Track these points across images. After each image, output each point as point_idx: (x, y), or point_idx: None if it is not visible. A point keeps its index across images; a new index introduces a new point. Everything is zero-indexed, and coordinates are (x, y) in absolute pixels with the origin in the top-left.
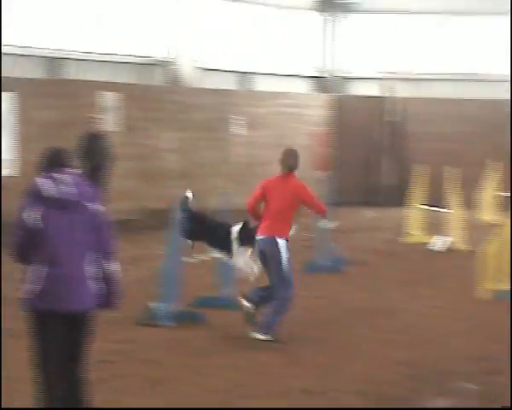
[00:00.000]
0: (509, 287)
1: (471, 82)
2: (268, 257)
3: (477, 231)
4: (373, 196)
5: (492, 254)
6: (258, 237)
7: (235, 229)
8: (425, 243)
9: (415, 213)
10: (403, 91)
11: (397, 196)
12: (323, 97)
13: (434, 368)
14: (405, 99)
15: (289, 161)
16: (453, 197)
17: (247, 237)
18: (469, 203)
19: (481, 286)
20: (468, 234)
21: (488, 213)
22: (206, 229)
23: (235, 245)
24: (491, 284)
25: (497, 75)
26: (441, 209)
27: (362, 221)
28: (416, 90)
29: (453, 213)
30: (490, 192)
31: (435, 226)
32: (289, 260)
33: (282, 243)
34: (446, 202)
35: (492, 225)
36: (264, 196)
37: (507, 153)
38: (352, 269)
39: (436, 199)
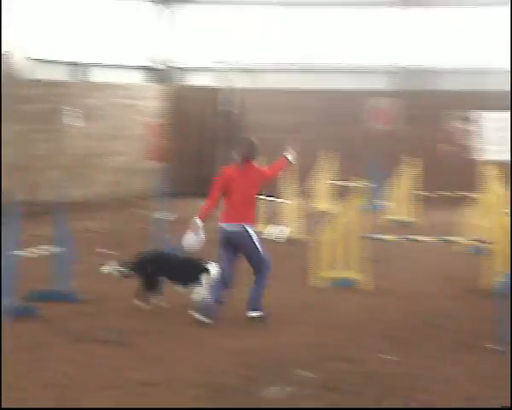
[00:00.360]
0: (343, 275)
1: (307, 72)
2: (240, 246)
3: (311, 219)
4: (209, 187)
5: (327, 242)
6: (225, 224)
7: (213, 269)
8: (261, 233)
9: None
10: (239, 82)
11: None
12: (159, 88)
13: (271, 356)
14: (241, 90)
15: (246, 149)
16: (289, 187)
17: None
18: (305, 193)
19: (316, 274)
20: (303, 223)
21: (322, 201)
22: (179, 269)
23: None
24: (327, 272)
25: (334, 65)
26: (277, 199)
27: (195, 212)
28: (252, 80)
29: (289, 202)
30: (325, 181)
31: (271, 216)
32: (259, 240)
33: (250, 229)
34: (282, 192)
35: (326, 213)
36: (225, 187)
37: (342, 142)
38: None
39: (272, 189)
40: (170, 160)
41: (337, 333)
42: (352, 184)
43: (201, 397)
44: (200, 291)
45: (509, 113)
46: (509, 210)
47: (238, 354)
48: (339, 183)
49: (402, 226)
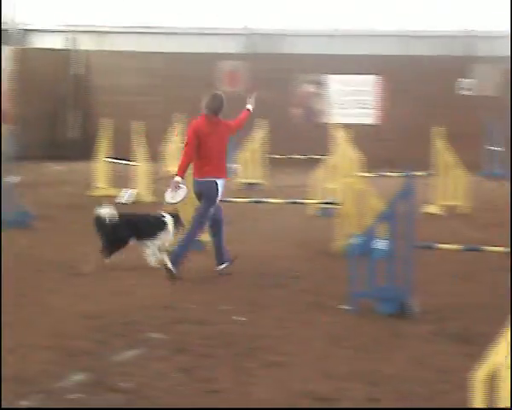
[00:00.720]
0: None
1: (156, 35)
2: (205, 195)
3: (163, 182)
4: (59, 150)
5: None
6: (198, 179)
7: (170, 219)
8: (112, 196)
9: (101, 167)
10: (87, 44)
11: (83, 150)
12: (5, 50)
13: (122, 320)
14: (89, 52)
15: (214, 104)
16: (139, 150)
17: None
18: (155, 156)
19: None
20: (153, 186)
21: (174, 164)
22: (141, 226)
23: (168, 233)
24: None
25: (183, 27)
26: (128, 162)
27: (47, 175)
28: (100, 43)
29: (139, 165)
30: (175, 144)
31: (122, 179)
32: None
33: (220, 182)
34: (132, 155)
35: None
36: (197, 140)
37: (191, 105)
38: (38, 224)
39: (122, 152)
40: (18, 123)
41: (188, 295)
42: None
43: (52, 361)
44: (157, 245)
45: (355, 76)
46: (357, 173)
47: (88, 318)
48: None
49: (252, 189)
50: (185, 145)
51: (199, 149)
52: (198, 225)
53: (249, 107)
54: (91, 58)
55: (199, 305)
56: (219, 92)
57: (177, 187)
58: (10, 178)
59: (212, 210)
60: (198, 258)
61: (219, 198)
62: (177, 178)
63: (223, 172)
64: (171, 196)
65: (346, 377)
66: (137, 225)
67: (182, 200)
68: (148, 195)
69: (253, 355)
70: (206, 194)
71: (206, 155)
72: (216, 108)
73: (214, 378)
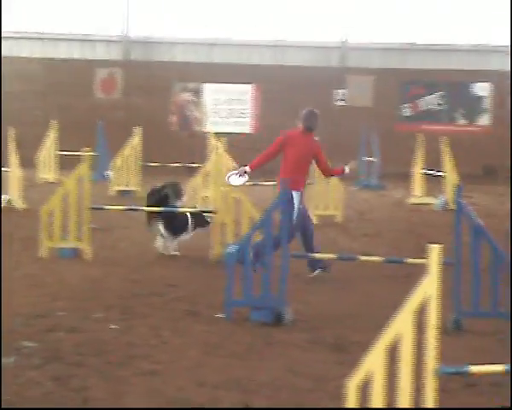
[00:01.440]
0: (67, 245)
1: (35, 40)
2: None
3: (37, 189)
4: None
5: (51, 212)
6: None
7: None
8: None
9: None
10: None
11: None
12: None
13: None
14: None
15: (311, 120)
16: (11, 156)
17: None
18: (29, 162)
19: (40, 244)
20: (25, 192)
21: (48, 171)
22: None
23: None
24: (51, 242)
25: (59, 33)
26: (6, 168)
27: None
28: None
29: (11, 171)
30: (51, 151)
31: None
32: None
33: (296, 195)
34: (5, 161)
35: (52, 183)
36: (285, 147)
37: (68, 111)
38: None
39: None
40: None
41: (61, 303)
42: (78, 154)
43: None
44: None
45: (231, 85)
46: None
47: None
48: (64, 152)
49: (125, 196)
50: (269, 146)
51: (285, 158)
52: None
53: (346, 169)
54: None
55: (72, 312)
56: (316, 110)
57: (242, 174)
58: None
59: (290, 221)
60: (71, 265)
61: (295, 209)
62: (247, 168)
63: (299, 185)
64: (233, 179)
65: (221, 385)
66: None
67: (241, 185)
68: (20, 201)
69: (127, 363)
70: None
71: (288, 165)
72: (312, 125)
73: (87, 387)
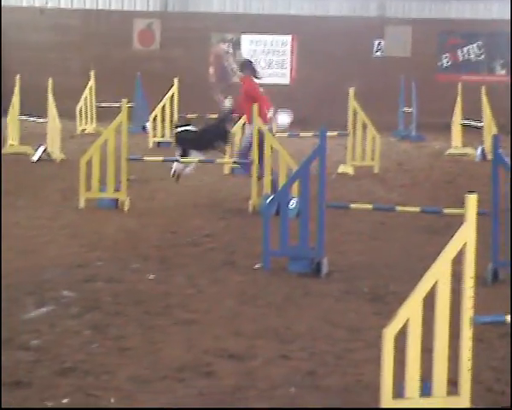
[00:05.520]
0: (106, 196)
1: None
2: None
3: (75, 140)
4: None
5: (93, 163)
6: None
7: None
8: (24, 154)
9: (13, 124)
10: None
11: None
12: None
13: (31, 278)
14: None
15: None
16: (50, 107)
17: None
18: (67, 113)
19: (78, 195)
20: (64, 144)
21: (86, 122)
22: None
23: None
24: (89, 193)
25: None
26: (40, 119)
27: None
28: None
29: (51, 122)
30: (87, 102)
31: (34, 136)
32: None
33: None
34: (44, 112)
35: (90, 135)
36: None
37: (106, 62)
38: None
39: (34, 108)
40: None
41: (99, 254)
42: (116, 105)
43: None
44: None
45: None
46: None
47: None
48: (103, 104)
49: (162, 147)
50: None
51: None
52: None
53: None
54: (4, 14)
55: (110, 262)
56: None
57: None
58: None
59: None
60: (110, 216)
61: None
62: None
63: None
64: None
65: (258, 335)
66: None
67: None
68: (59, 152)
69: (164, 313)
70: None
71: None
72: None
73: (124, 336)
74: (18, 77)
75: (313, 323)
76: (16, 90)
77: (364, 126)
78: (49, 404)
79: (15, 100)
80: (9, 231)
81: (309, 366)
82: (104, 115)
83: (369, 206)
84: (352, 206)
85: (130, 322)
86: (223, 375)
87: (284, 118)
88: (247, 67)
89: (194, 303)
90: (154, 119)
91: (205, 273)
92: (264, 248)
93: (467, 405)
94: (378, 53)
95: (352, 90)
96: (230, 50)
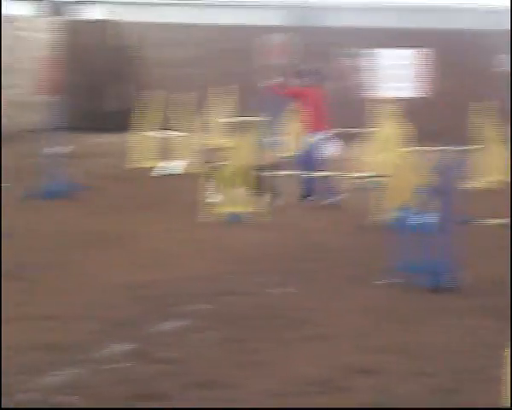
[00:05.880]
0: (235, 210)
1: (201, 7)
2: None
3: (205, 154)
4: (101, 122)
5: (221, 177)
6: None
7: None
8: (153, 168)
9: (143, 139)
10: (129, 15)
11: (124, 122)
12: (51, 21)
13: (163, 291)
14: (133, 23)
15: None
16: (185, 122)
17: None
18: (200, 127)
19: (209, 209)
20: (196, 158)
21: (217, 136)
22: None
23: None
24: (219, 207)
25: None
26: (173, 134)
27: (88, 147)
28: (144, 14)
29: (184, 137)
30: (218, 116)
31: (165, 151)
32: None
33: None
34: (178, 127)
35: (220, 149)
36: None
37: (235, 77)
38: (83, 195)
39: (169, 124)
40: (63, 94)
41: (230, 267)
42: (246, 119)
43: (96, 331)
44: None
45: (401, 50)
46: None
47: (130, 289)
48: (233, 118)
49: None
50: None
51: None
52: None
53: None
54: (135, 29)
55: (240, 276)
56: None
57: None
58: (58, 149)
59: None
60: (239, 230)
61: None
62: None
63: None
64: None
65: (388, 350)
66: None
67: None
68: (191, 167)
69: (294, 327)
70: None
71: None
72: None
73: (258, 350)
74: (150, 93)
75: (443, 338)
76: (152, 105)
77: (494, 140)
78: None
79: (150, 115)
80: (143, 243)
81: (449, 383)
82: (234, 128)
83: (502, 220)
84: (486, 221)
85: (263, 336)
86: (358, 390)
87: (337, 147)
88: (318, 76)
89: (321, 318)
90: (284, 132)
91: (331, 289)
92: (392, 262)
93: None
94: (502, 67)
95: (479, 104)
96: (358, 64)
